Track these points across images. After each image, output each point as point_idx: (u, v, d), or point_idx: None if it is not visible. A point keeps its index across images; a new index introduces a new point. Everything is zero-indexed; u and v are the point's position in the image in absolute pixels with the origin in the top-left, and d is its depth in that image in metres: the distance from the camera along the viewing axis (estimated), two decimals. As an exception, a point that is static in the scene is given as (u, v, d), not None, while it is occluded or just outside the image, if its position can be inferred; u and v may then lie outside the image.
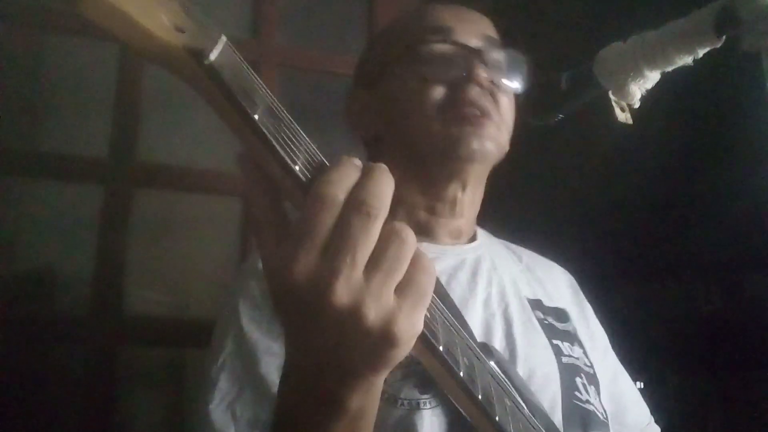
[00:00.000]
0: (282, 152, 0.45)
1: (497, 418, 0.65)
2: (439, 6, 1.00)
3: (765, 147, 0.66)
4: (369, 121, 1.00)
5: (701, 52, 0.66)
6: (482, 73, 0.91)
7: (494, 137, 0.93)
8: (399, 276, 0.47)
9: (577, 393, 0.88)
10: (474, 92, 0.91)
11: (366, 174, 0.47)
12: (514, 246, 1.10)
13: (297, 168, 0.45)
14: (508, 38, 1.00)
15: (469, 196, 0.97)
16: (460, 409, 0.67)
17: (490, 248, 1.02)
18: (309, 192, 0.45)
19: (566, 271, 1.13)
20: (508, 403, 0.69)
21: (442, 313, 0.57)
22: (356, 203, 0.45)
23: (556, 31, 1.01)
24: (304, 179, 0.46)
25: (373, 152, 1.02)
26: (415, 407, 0.74)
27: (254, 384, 0.75)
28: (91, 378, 1.30)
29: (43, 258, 1.37)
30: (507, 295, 0.94)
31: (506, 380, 0.76)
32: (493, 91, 0.93)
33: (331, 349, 0.47)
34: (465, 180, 0.95)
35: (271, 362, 0.76)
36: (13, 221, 1.36)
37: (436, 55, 0.93)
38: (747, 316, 1.61)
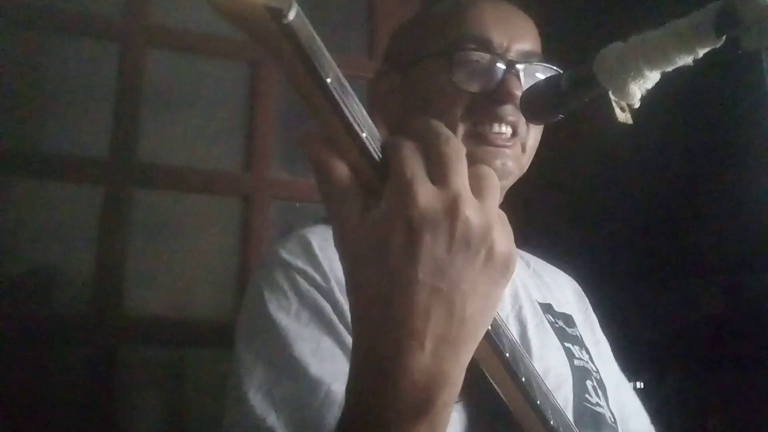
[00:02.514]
0: (351, 118, 0.45)
1: (538, 402, 0.65)
2: (483, 9, 0.96)
3: (765, 147, 0.66)
4: (393, 106, 0.98)
5: (701, 52, 0.66)
6: (516, 91, 0.90)
7: (517, 158, 0.93)
8: (498, 205, 0.47)
9: (587, 395, 0.88)
10: (506, 109, 0.90)
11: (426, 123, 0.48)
12: (521, 252, 1.10)
13: (364, 135, 0.45)
14: (549, 51, 0.98)
15: None
16: (501, 393, 0.66)
17: None
18: (391, 142, 0.46)
19: (572, 279, 1.13)
20: (543, 389, 0.69)
21: None
22: (438, 138, 0.46)
23: (556, 31, 1.01)
24: (370, 146, 0.46)
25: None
26: None
27: (290, 368, 0.74)
28: (91, 378, 1.30)
29: (43, 258, 1.37)
30: (520, 297, 0.94)
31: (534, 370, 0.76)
32: None
33: (454, 279, 0.45)
34: None
35: (305, 346, 0.75)
36: (13, 221, 1.36)
37: (473, 63, 0.92)
38: (747, 317, 1.61)
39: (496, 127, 0.90)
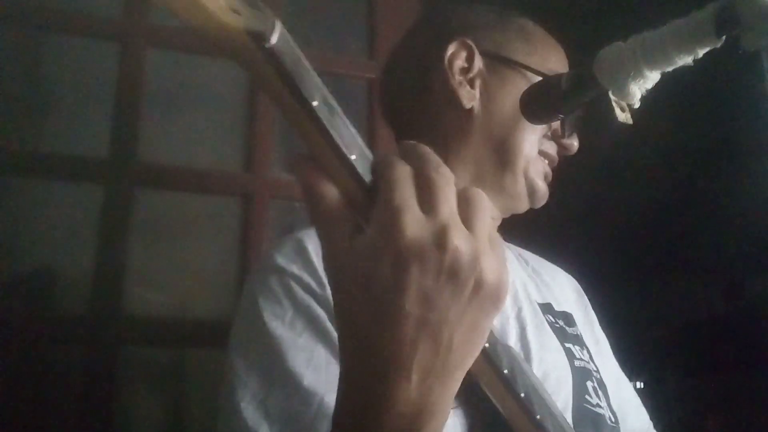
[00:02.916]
0: (339, 141, 0.44)
1: (538, 417, 0.65)
2: (557, 47, 1.01)
3: (765, 147, 0.66)
4: (468, 91, 0.96)
5: (701, 52, 0.65)
6: (576, 141, 0.98)
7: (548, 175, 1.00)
8: (488, 232, 0.47)
9: (588, 396, 0.88)
10: (563, 155, 0.98)
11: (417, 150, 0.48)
12: (520, 250, 1.10)
13: (353, 158, 0.45)
14: (572, 60, 1.01)
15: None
16: (501, 410, 0.66)
17: None
18: (380, 165, 0.45)
19: (570, 276, 1.13)
20: (543, 403, 0.69)
21: None
22: (429, 162, 0.46)
23: (556, 31, 1.01)
24: (359, 169, 0.45)
25: (455, 126, 0.97)
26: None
27: (283, 379, 0.74)
28: (91, 378, 1.30)
29: (43, 258, 1.37)
30: (519, 299, 0.94)
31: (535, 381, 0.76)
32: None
33: (441, 309, 0.44)
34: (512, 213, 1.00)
35: (298, 356, 0.75)
36: (13, 221, 1.36)
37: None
38: (747, 317, 1.61)
39: (551, 165, 0.98)
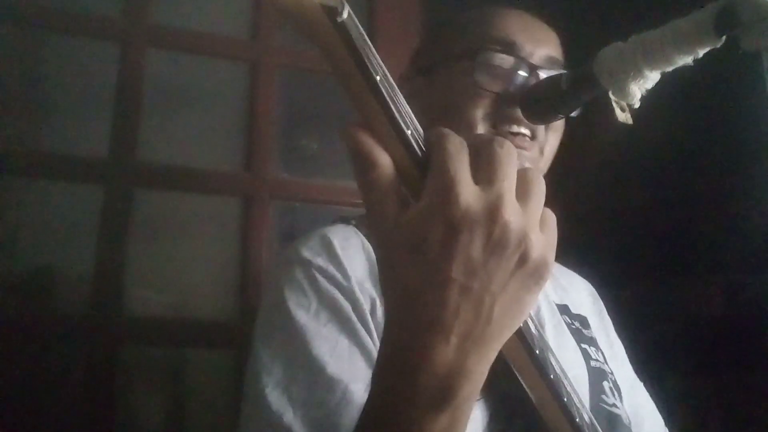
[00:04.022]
0: (398, 116, 0.46)
1: (565, 400, 0.65)
2: (509, 15, 0.98)
3: (765, 147, 0.66)
4: (417, 109, 0.99)
5: (701, 52, 0.66)
6: None
7: (534, 160, 0.94)
8: (540, 212, 0.49)
9: (604, 396, 0.89)
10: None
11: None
12: None
13: (409, 132, 0.47)
14: (572, 60, 0.99)
15: None
16: (529, 391, 0.66)
17: None
18: (435, 138, 0.47)
19: (587, 282, 1.14)
20: (569, 388, 0.70)
21: None
22: (491, 140, 0.48)
23: (556, 30, 1.01)
24: (415, 144, 0.47)
25: None
26: None
27: (308, 367, 0.75)
28: (91, 378, 1.30)
29: (43, 258, 1.37)
30: (538, 299, 0.94)
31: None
32: None
33: (484, 277, 0.46)
34: None
35: (323, 345, 0.76)
36: (13, 221, 1.36)
37: (496, 65, 0.93)
38: (748, 317, 1.61)
39: (515, 128, 0.91)
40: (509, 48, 0.93)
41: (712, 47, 0.65)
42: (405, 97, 1.04)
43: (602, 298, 1.14)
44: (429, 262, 0.46)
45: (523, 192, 0.47)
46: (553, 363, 0.66)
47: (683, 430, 1.09)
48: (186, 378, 1.46)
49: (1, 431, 1.14)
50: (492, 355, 0.50)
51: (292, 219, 1.54)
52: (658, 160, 1.74)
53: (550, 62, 0.95)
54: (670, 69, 0.68)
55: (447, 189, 0.45)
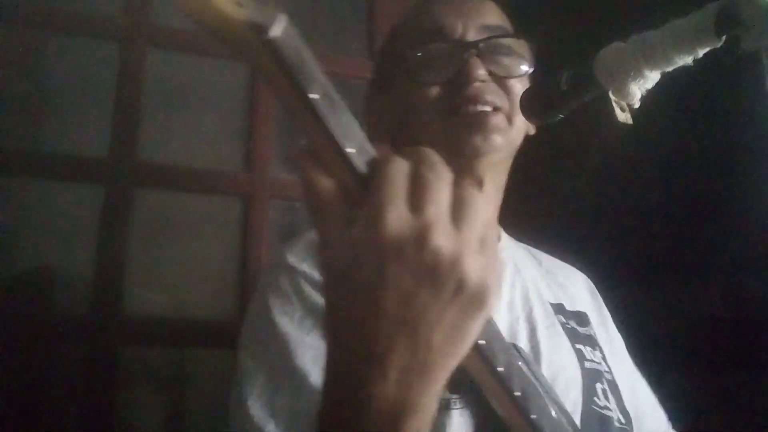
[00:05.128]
0: (335, 133, 0.44)
1: (533, 417, 0.64)
2: (432, 2, 0.97)
3: (765, 147, 0.66)
4: (384, 127, 0.99)
5: (701, 52, 0.66)
6: (478, 69, 0.89)
7: (503, 128, 0.91)
8: (480, 233, 0.46)
9: (596, 398, 0.88)
10: (473, 89, 0.89)
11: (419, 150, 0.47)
12: (534, 250, 1.09)
13: (351, 151, 0.45)
14: (514, 21, 0.98)
15: (489, 190, 0.95)
16: (496, 408, 0.66)
17: (513, 251, 1.01)
18: (378, 160, 0.46)
19: (585, 276, 1.12)
20: (541, 403, 0.68)
21: None
22: (425, 162, 0.46)
23: (556, 30, 1.01)
24: (357, 163, 0.45)
25: None
26: (444, 407, 0.73)
27: (290, 377, 0.74)
28: (91, 378, 1.30)
29: (43, 258, 1.37)
30: (530, 299, 0.94)
31: (535, 381, 0.76)
32: (499, 80, 0.91)
33: (419, 309, 0.44)
34: (479, 174, 0.93)
35: (306, 353, 0.75)
36: (13, 221, 1.36)
37: (432, 57, 0.92)
38: (748, 317, 1.61)
39: (477, 108, 0.89)
40: (439, 35, 0.92)
41: (712, 47, 0.65)
42: (374, 119, 1.04)
43: (602, 298, 1.14)
44: (362, 291, 0.44)
45: (457, 214, 0.45)
46: (524, 378, 0.65)
47: (683, 430, 1.09)
48: (186, 378, 1.46)
49: (1, 431, 1.14)
50: (437, 386, 0.48)
51: (292, 219, 1.54)
52: (657, 160, 1.74)
53: (489, 30, 0.93)
54: (670, 69, 0.68)
55: (376, 216, 0.43)
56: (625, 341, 1.09)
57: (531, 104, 0.84)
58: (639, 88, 0.71)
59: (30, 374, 1.27)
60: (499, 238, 1.00)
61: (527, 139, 0.99)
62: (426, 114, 0.90)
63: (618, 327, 1.11)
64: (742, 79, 0.67)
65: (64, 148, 1.41)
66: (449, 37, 0.92)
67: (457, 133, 0.89)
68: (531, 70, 0.94)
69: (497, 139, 0.90)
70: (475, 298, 0.46)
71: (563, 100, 0.79)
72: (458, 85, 0.89)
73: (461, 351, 0.48)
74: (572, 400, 0.85)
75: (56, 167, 1.38)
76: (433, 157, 0.47)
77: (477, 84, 0.89)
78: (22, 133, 1.41)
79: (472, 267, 0.45)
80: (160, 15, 1.50)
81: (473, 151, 0.89)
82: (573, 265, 1.15)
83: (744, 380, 1.62)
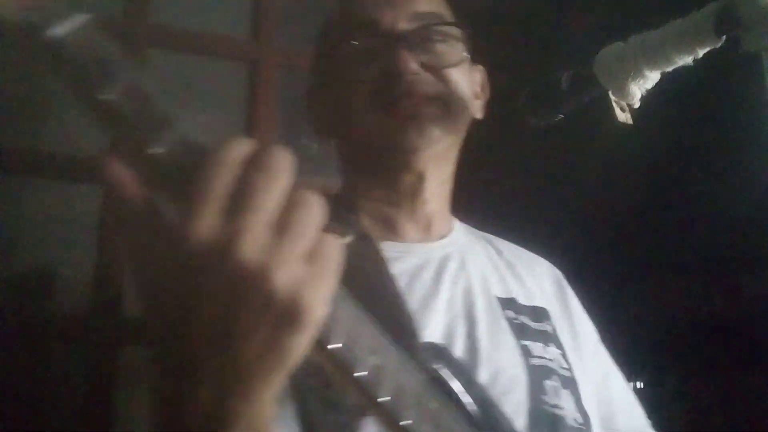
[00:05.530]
0: (143, 133, 0.41)
1: (409, 422, 0.60)
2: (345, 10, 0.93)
3: (765, 147, 0.66)
4: (324, 121, 0.95)
5: (701, 52, 0.66)
6: (408, 62, 0.84)
7: (441, 118, 0.86)
8: (308, 243, 0.42)
9: (544, 396, 0.83)
10: (405, 83, 0.84)
11: (261, 147, 0.44)
12: (497, 240, 1.04)
13: (159, 150, 0.41)
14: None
15: (432, 183, 0.90)
16: (367, 413, 0.62)
17: (463, 245, 0.96)
18: (212, 153, 0.42)
19: (553, 267, 1.06)
20: (432, 406, 0.62)
21: (348, 308, 0.51)
22: (256, 163, 0.42)
23: (556, 30, 1.01)
24: (169, 161, 0.41)
25: (338, 154, 0.96)
26: (359, 412, 0.70)
27: None
28: (91, 378, 1.30)
29: (43, 258, 1.37)
30: (473, 295, 0.89)
31: (452, 383, 0.73)
32: (433, 70, 0.86)
33: (227, 322, 0.41)
34: (419, 169, 0.88)
35: None
36: (13, 221, 1.36)
37: (361, 52, 0.87)
38: (747, 316, 1.61)
39: (404, 103, 0.84)
40: (368, 28, 0.87)
41: (712, 47, 0.65)
42: (315, 116, 0.94)
43: (602, 298, 1.12)
44: (169, 302, 0.42)
45: (283, 221, 0.41)
46: (397, 378, 0.57)
47: (683, 430, 1.08)
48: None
49: (1, 431, 1.14)
50: (257, 398, 0.45)
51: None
52: (657, 160, 1.74)
53: (421, 18, 0.88)
54: (670, 69, 0.68)
55: (185, 221, 0.40)
56: (624, 342, 1.08)
57: (532, 104, 0.84)
58: (639, 88, 0.71)
59: (30, 374, 1.27)
60: (447, 234, 0.96)
61: (476, 123, 0.94)
62: (360, 110, 0.86)
63: (619, 327, 1.10)
64: (742, 79, 0.67)
65: (64, 148, 1.41)
66: (378, 29, 0.87)
67: (392, 130, 0.85)
68: (468, 56, 0.89)
69: (435, 132, 0.85)
70: (286, 314, 0.42)
71: (563, 100, 0.79)
72: (389, 80, 0.84)
73: (280, 365, 0.45)
74: (517, 398, 0.80)
75: (56, 167, 1.38)
76: (279, 155, 0.43)
77: (408, 78, 0.84)
78: (22, 133, 1.41)
79: (283, 282, 0.41)
80: (160, 15, 1.50)
81: (410, 147, 0.85)
82: (573, 265, 1.13)
83: (744, 380, 1.62)
